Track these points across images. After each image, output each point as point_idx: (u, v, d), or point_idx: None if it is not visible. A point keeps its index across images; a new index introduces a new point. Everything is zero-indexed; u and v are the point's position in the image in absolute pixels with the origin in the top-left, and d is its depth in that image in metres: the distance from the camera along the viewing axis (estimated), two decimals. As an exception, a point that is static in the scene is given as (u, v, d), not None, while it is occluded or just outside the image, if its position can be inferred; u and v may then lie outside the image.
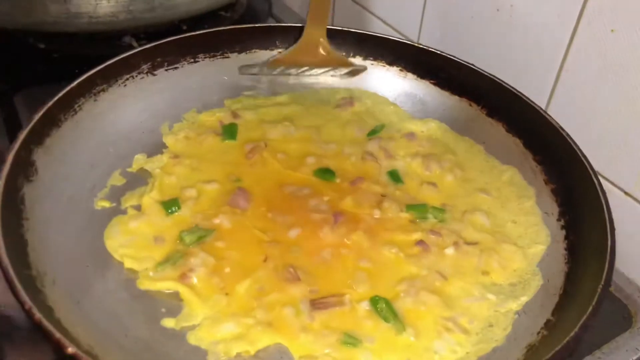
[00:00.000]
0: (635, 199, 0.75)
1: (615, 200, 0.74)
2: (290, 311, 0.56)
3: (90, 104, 0.68)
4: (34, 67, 0.84)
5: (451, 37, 0.92)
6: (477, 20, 0.86)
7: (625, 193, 0.76)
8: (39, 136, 0.61)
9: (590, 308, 0.49)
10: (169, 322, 0.54)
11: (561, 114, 0.71)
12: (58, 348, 0.43)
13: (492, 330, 0.56)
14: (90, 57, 0.70)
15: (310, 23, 0.78)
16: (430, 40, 0.96)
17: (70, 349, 0.42)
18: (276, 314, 0.56)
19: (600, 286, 0.51)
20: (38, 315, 0.44)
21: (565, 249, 0.61)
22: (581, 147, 0.65)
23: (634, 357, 0.62)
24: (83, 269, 0.57)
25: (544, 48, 0.77)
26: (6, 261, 0.47)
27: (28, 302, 0.45)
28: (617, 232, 0.67)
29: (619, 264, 0.71)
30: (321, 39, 0.79)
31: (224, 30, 0.78)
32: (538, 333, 0.54)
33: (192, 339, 0.53)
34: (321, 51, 0.80)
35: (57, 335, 0.43)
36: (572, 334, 0.47)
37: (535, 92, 0.76)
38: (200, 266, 0.58)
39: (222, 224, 0.63)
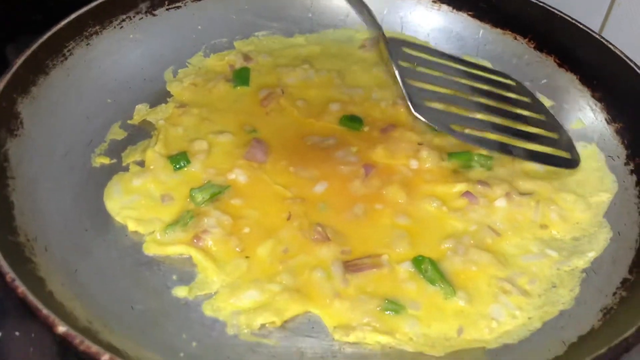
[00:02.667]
0: None
1: None
2: (320, 275, 0.48)
3: (83, 48, 0.59)
4: (29, 17, 0.75)
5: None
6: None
7: None
8: (23, 84, 0.53)
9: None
10: (181, 292, 0.47)
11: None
12: (47, 327, 0.35)
13: (557, 292, 0.48)
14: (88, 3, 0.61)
15: None
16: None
17: (61, 328, 0.35)
18: (305, 279, 0.48)
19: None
20: (22, 288, 0.37)
21: (638, 197, 0.53)
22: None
23: None
24: (81, 233, 0.49)
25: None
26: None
27: (10, 274, 0.37)
28: None
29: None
30: None
31: (231, -39, 0.68)
32: (614, 294, 0.46)
33: (208, 309, 0.46)
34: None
35: (45, 311, 0.36)
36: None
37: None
38: (215, 227, 0.51)
39: (238, 179, 0.55)
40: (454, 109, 0.61)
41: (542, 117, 0.62)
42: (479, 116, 0.60)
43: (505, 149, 0.57)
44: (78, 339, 0.34)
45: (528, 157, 0.58)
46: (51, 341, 0.51)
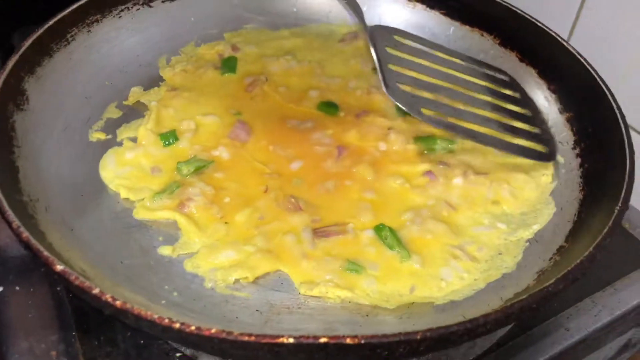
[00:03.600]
0: None
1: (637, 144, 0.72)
2: (291, 239, 0.54)
3: (84, 34, 0.65)
4: (34, 7, 0.81)
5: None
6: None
7: None
8: (29, 64, 0.58)
9: (607, 228, 0.47)
10: (165, 250, 0.53)
11: (584, 49, 0.68)
12: (47, 266, 0.41)
13: (502, 258, 0.54)
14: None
15: None
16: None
17: (59, 267, 0.40)
18: (277, 242, 0.54)
19: (618, 207, 0.48)
20: (26, 234, 0.42)
21: (580, 177, 0.58)
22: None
23: (648, 293, 0.59)
24: (77, 198, 0.55)
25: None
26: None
27: (16, 222, 0.43)
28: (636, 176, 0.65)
29: (636, 203, 0.69)
30: None
31: (222, -41, 0.74)
32: (550, 259, 0.51)
33: (189, 266, 0.52)
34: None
35: (46, 253, 0.41)
36: (586, 252, 0.45)
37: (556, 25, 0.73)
38: (199, 195, 0.56)
39: (221, 155, 0.61)
40: (429, 95, 0.64)
41: (526, 112, 0.65)
42: (458, 105, 0.63)
43: (476, 137, 0.60)
44: (73, 275, 0.40)
45: (502, 147, 0.61)
46: (47, 294, 0.57)
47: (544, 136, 0.63)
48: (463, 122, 0.62)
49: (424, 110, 0.60)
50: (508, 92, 0.67)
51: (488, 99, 0.65)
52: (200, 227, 0.54)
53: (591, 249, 0.45)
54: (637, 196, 0.68)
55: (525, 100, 0.67)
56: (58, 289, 0.57)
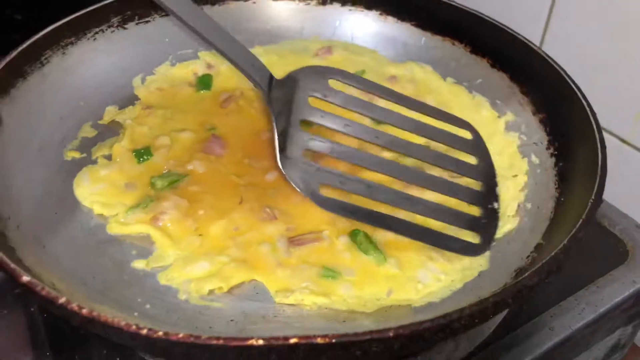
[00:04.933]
0: (631, 145, 0.73)
1: (611, 147, 0.73)
2: (266, 248, 0.54)
3: (59, 57, 0.65)
4: (11, 37, 0.82)
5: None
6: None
7: (622, 140, 0.74)
8: (3, 87, 0.59)
9: (581, 221, 0.46)
10: (139, 264, 0.52)
11: (554, 54, 0.69)
12: (13, 279, 0.40)
13: (479, 257, 0.53)
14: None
15: None
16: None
17: (25, 278, 0.40)
18: (252, 251, 0.53)
19: (592, 199, 0.48)
20: (-10, 247, 0.42)
21: (556, 176, 0.58)
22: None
23: (631, 290, 0.59)
24: (51, 216, 0.55)
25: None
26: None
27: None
28: (613, 178, 0.65)
29: (614, 201, 0.69)
30: None
31: (194, -20, 0.75)
32: (527, 257, 0.51)
33: (163, 278, 0.51)
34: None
35: (12, 265, 0.41)
36: (560, 246, 0.45)
37: (526, 31, 0.74)
38: (173, 209, 0.56)
39: (196, 169, 0.61)
40: (343, 166, 0.55)
41: (476, 184, 0.56)
42: (380, 178, 0.53)
43: (390, 226, 0.51)
44: (39, 286, 0.39)
45: (419, 237, 0.52)
46: (21, 316, 0.56)
47: (483, 220, 0.54)
48: (374, 205, 0.53)
49: (322, 189, 0.53)
50: (462, 155, 0.59)
51: (429, 166, 0.56)
52: (174, 240, 0.54)
53: (565, 241, 0.45)
54: (615, 194, 0.70)
55: (482, 166, 0.58)
56: (32, 309, 0.56)
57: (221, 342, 0.36)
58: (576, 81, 0.61)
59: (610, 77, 0.74)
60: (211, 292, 0.50)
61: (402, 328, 0.37)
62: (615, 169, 0.74)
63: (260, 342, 0.36)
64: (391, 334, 0.37)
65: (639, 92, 0.72)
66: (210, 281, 0.50)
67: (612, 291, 0.60)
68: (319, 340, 0.36)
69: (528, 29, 0.78)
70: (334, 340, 0.36)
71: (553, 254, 0.44)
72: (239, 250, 0.53)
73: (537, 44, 0.80)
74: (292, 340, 0.36)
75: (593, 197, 0.48)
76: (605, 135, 0.74)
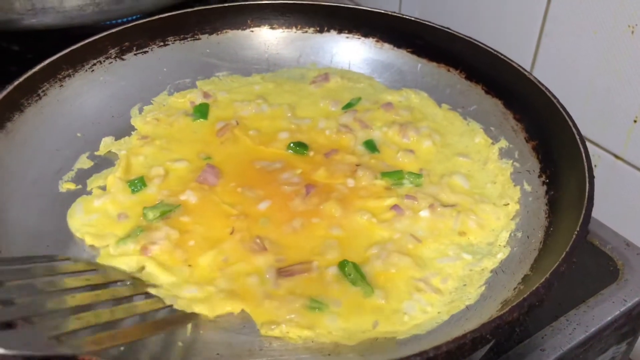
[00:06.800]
0: (625, 161, 0.72)
1: (605, 164, 0.73)
2: (254, 280, 0.54)
3: (56, 89, 0.67)
4: (7, 70, 0.84)
5: (431, 11, 0.91)
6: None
7: (615, 156, 0.74)
8: (-1, 120, 0.60)
9: (564, 254, 0.46)
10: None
11: (545, 78, 0.69)
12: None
13: (466, 289, 0.53)
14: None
15: None
16: (410, 9, 0.95)
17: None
18: (240, 283, 0.54)
19: (576, 232, 0.48)
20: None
21: (546, 204, 0.58)
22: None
23: (622, 309, 0.58)
24: (42, 248, 0.55)
25: (524, 4, 0.75)
26: None
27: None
28: (607, 194, 0.65)
29: (606, 220, 0.68)
30: None
31: (192, 11, 0.76)
32: (515, 289, 0.50)
33: (153, 292, 0.51)
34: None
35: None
36: (542, 280, 0.44)
37: (517, 56, 0.74)
38: (163, 239, 0.56)
39: (189, 199, 0.61)
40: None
41: None
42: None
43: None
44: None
45: None
46: None
47: None
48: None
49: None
50: None
51: None
52: (164, 267, 0.54)
53: (547, 275, 0.44)
54: (606, 214, 0.69)
55: None
56: None
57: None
58: (569, 98, 0.62)
59: (602, 94, 0.74)
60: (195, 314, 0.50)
61: (376, 366, 0.37)
62: (608, 186, 0.74)
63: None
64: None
65: (630, 108, 0.71)
66: (197, 305, 0.51)
67: (602, 311, 0.59)
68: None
69: (520, 50, 0.79)
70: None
71: (534, 289, 0.43)
72: (227, 282, 0.53)
73: (530, 63, 0.81)
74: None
75: (578, 229, 0.48)
76: (599, 151, 0.74)
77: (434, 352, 0.39)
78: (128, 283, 0.52)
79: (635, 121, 0.72)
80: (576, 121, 0.60)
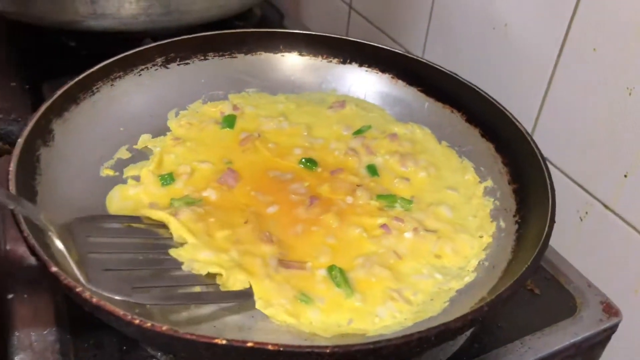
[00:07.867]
0: (614, 212, 0.79)
1: (596, 211, 0.80)
2: (259, 261, 0.63)
3: (108, 88, 0.78)
4: (64, 62, 0.93)
5: (452, 53, 1.00)
6: (475, 38, 0.94)
7: (605, 206, 0.81)
8: (58, 109, 0.71)
9: (510, 283, 0.54)
10: None
11: (549, 128, 0.77)
12: (45, 268, 0.51)
13: (432, 303, 0.61)
14: (113, 56, 0.80)
15: None
16: (432, 56, 1.04)
17: (54, 268, 0.50)
18: (247, 260, 0.63)
19: (526, 266, 0.56)
20: (32, 241, 0.53)
21: (514, 241, 0.66)
22: (566, 160, 0.70)
23: (572, 340, 0.67)
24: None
25: (534, 64, 0.84)
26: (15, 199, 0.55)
27: (26, 231, 0.53)
28: (595, 243, 0.73)
29: (574, 261, 0.77)
30: None
31: (231, 32, 0.87)
32: (471, 307, 0.59)
33: (173, 253, 0.62)
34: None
35: (45, 257, 0.51)
36: (488, 300, 0.53)
37: (525, 107, 0.83)
38: (189, 212, 0.66)
39: (210, 196, 0.71)
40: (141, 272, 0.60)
41: None
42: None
43: (197, 298, 0.59)
44: (62, 276, 0.50)
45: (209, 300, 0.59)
46: (49, 303, 0.67)
47: None
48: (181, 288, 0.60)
49: (135, 291, 0.56)
50: None
51: None
52: (189, 230, 0.64)
53: (494, 297, 0.53)
54: (574, 255, 0.77)
55: None
56: (59, 298, 0.67)
57: (194, 337, 0.46)
58: (569, 148, 0.68)
59: (598, 147, 0.80)
60: (209, 274, 0.61)
61: (338, 347, 0.46)
62: (600, 231, 0.80)
63: (224, 341, 0.46)
64: (328, 350, 0.46)
65: (622, 162, 0.78)
66: (211, 266, 0.61)
67: (554, 339, 0.67)
68: (270, 347, 0.46)
69: (527, 102, 0.87)
70: (280, 349, 0.45)
71: (477, 307, 0.52)
72: (238, 255, 0.63)
73: (535, 113, 0.88)
74: (249, 344, 0.46)
75: (528, 265, 0.56)
76: (592, 200, 0.81)
77: (386, 343, 0.47)
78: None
79: (625, 176, 0.78)
80: (574, 169, 0.67)
